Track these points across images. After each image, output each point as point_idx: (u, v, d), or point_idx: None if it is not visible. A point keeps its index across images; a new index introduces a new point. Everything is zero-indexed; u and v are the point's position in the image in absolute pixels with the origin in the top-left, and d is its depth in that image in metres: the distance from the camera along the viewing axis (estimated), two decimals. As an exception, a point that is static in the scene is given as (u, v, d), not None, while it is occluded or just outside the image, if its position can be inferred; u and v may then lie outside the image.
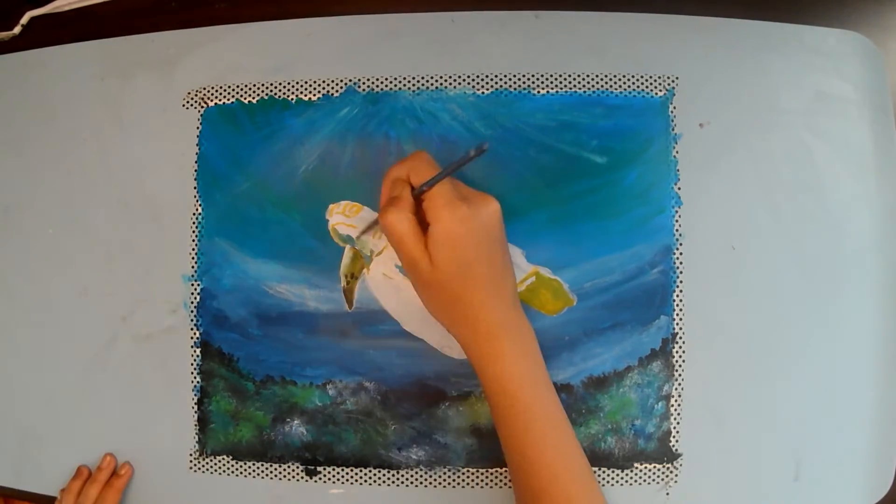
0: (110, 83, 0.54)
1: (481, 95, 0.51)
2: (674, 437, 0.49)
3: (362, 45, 0.52)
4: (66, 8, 0.55)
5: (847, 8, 0.52)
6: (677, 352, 0.49)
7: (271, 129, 0.52)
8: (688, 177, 0.50)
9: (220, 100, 0.52)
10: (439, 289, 0.41)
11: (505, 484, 0.50)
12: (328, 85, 0.52)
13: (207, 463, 0.51)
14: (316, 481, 0.50)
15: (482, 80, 0.51)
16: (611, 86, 0.51)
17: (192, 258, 0.52)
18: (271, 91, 0.52)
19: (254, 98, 0.52)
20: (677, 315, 0.49)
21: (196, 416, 0.51)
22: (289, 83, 0.52)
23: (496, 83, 0.51)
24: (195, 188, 0.52)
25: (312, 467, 0.50)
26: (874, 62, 0.51)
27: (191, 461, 0.51)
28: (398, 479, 0.50)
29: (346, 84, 0.52)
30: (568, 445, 0.41)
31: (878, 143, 0.50)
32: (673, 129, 0.50)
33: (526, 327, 0.42)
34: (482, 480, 0.50)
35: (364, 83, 0.52)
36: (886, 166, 0.50)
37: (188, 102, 0.53)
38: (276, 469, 0.51)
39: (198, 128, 0.52)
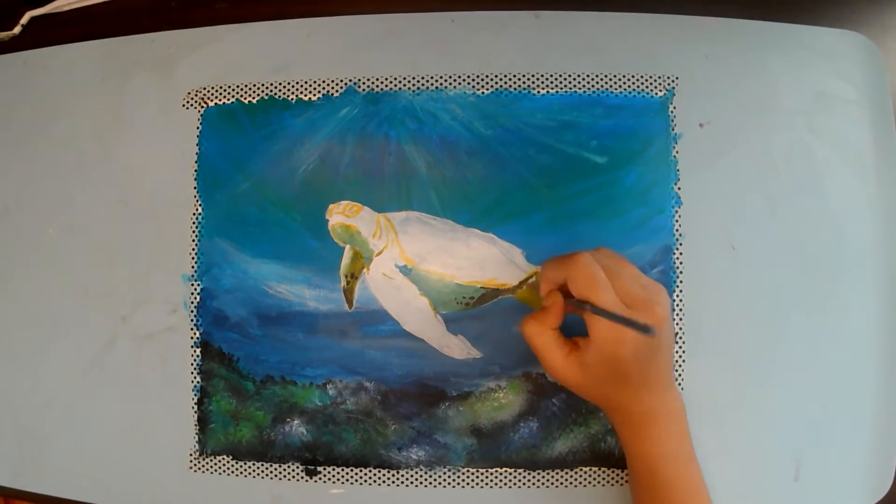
0: (110, 83, 0.54)
1: (481, 95, 0.51)
2: (674, 437, 0.49)
3: (362, 45, 0.52)
4: (66, 8, 0.55)
5: (847, 8, 0.52)
6: (677, 352, 0.49)
7: (271, 129, 0.52)
8: (688, 177, 0.50)
9: (220, 100, 0.52)
10: (586, 389, 0.42)
11: (505, 484, 0.50)
12: (328, 85, 0.52)
13: (207, 463, 0.51)
14: (316, 481, 0.50)
15: (482, 80, 0.51)
16: (611, 86, 0.51)
17: (192, 258, 0.52)
18: (271, 91, 0.52)
19: (254, 98, 0.52)
20: (677, 315, 0.49)
21: (196, 416, 0.51)
22: (289, 83, 0.52)
23: (496, 83, 0.51)
24: (195, 188, 0.52)
25: (312, 467, 0.50)
26: (874, 62, 0.51)
27: (191, 461, 0.51)
28: (398, 479, 0.50)
29: (346, 84, 0.52)
30: None
31: (878, 143, 0.50)
32: (673, 129, 0.50)
33: (676, 405, 0.43)
34: (482, 480, 0.50)
35: (364, 83, 0.52)
36: (886, 166, 0.50)
37: (188, 102, 0.53)
38: (276, 469, 0.51)
39: (198, 128, 0.52)
